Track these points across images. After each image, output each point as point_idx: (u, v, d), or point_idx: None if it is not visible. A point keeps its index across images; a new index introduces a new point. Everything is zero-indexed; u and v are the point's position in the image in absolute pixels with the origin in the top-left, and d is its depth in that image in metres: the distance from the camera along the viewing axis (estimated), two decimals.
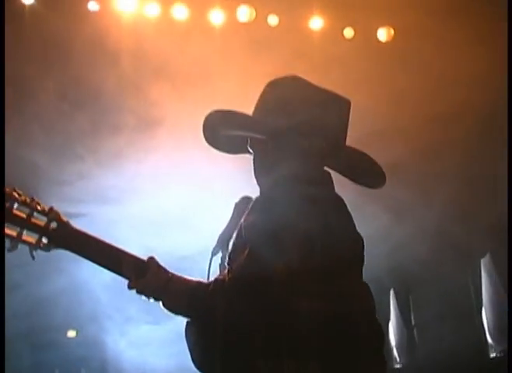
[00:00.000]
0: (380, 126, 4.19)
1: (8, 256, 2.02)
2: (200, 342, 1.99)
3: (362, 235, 2.07)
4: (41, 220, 2.00)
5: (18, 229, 1.97)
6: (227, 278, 2.01)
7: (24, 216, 1.97)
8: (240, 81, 4.43)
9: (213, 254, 2.20)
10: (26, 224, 1.97)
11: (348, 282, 1.95)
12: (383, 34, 5.19)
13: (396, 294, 7.04)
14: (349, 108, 2.25)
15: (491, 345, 6.07)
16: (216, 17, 4.98)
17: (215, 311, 1.91)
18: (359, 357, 1.88)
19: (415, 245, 5.60)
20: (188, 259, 3.79)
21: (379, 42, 5.15)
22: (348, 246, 1.99)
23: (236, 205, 2.25)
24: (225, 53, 4.74)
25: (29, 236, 1.99)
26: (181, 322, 2.08)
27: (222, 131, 2.20)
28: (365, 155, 2.24)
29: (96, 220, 4.14)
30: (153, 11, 4.86)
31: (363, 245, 2.06)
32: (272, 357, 1.84)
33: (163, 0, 4.88)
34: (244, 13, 5.03)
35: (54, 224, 2.00)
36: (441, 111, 4.59)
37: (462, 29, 4.46)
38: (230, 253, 2.11)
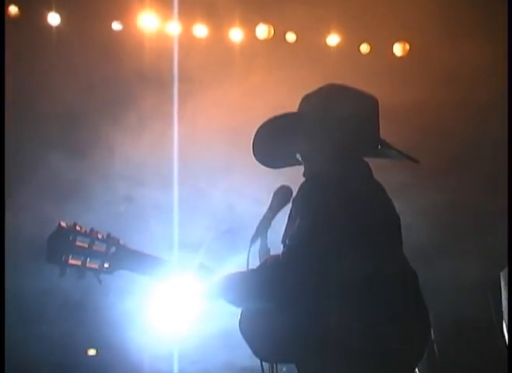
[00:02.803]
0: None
1: None
2: (263, 326, 2.11)
3: None
4: (101, 246, 2.19)
5: (82, 258, 2.17)
6: (281, 252, 2.13)
7: (86, 246, 2.17)
8: (260, 93, 4.57)
9: (252, 242, 2.31)
10: (88, 252, 2.17)
11: (388, 250, 2.13)
12: (398, 49, 5.32)
13: None
14: (377, 105, 2.41)
15: None
16: (236, 35, 5.12)
17: (277, 282, 2.04)
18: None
19: (430, 254, 5.63)
20: None
21: (395, 56, 5.29)
22: (386, 220, 2.18)
23: (275, 194, 2.39)
24: (245, 68, 4.87)
25: (92, 263, 2.19)
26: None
27: (276, 139, 2.39)
28: (397, 150, 2.39)
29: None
30: (175, 29, 5.00)
31: (400, 222, 2.24)
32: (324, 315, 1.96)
33: (185, 19, 5.02)
34: (263, 31, 5.18)
35: (113, 249, 2.19)
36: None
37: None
38: (284, 236, 2.24)
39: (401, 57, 5.34)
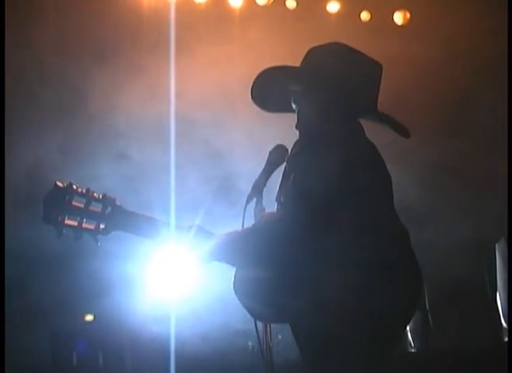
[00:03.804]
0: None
1: None
2: (258, 285, 2.12)
3: None
4: (97, 206, 2.16)
5: (78, 219, 2.14)
6: (276, 210, 2.17)
7: (82, 206, 2.14)
8: (258, 61, 4.52)
9: (248, 201, 2.31)
10: (84, 213, 2.14)
11: (380, 209, 2.14)
12: (399, 17, 5.28)
13: None
14: (381, 72, 2.38)
15: (505, 329, 6.09)
16: (235, 0, 5.06)
17: (273, 238, 2.06)
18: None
19: (427, 227, 5.64)
20: None
21: (395, 24, 5.24)
22: (378, 180, 2.19)
23: (271, 153, 2.38)
24: (243, 33, 4.83)
25: (88, 223, 2.16)
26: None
27: (276, 84, 2.35)
28: (393, 118, 2.36)
29: None
30: None
31: (391, 182, 2.25)
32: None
33: None
34: None
35: (109, 209, 2.15)
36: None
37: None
38: (278, 193, 2.25)
39: (401, 26, 5.30)
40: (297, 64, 2.48)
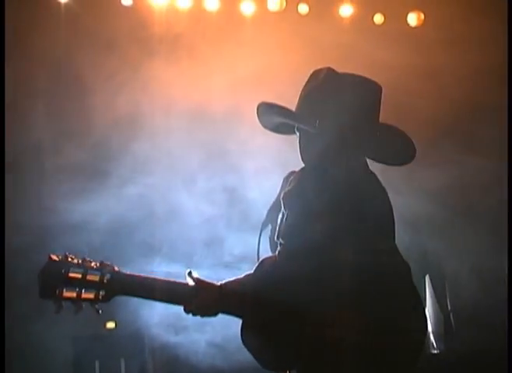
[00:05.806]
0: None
1: None
2: (267, 340, 2.08)
3: None
4: (95, 275, 2.14)
5: (77, 290, 2.11)
6: (277, 252, 2.14)
7: (79, 276, 2.12)
8: (272, 68, 4.52)
9: (262, 228, 2.30)
10: (82, 283, 2.12)
11: (382, 244, 2.09)
12: (413, 19, 5.22)
13: (431, 279, 7.01)
14: (380, 91, 2.32)
15: None
16: (247, 7, 5.05)
17: (277, 286, 2.03)
18: (396, 312, 2.01)
19: (449, 230, 5.59)
20: None
21: (409, 26, 5.19)
22: (379, 213, 2.13)
23: (285, 179, 2.35)
24: (256, 41, 4.80)
25: (88, 293, 2.13)
26: None
27: (272, 120, 2.35)
28: (398, 131, 2.31)
29: None
30: (185, 3, 4.94)
31: (393, 215, 2.19)
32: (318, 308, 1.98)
33: None
34: (274, 3, 5.10)
35: (107, 276, 2.14)
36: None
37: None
38: (278, 232, 2.23)
39: (415, 27, 5.24)
40: (309, 70, 2.41)
